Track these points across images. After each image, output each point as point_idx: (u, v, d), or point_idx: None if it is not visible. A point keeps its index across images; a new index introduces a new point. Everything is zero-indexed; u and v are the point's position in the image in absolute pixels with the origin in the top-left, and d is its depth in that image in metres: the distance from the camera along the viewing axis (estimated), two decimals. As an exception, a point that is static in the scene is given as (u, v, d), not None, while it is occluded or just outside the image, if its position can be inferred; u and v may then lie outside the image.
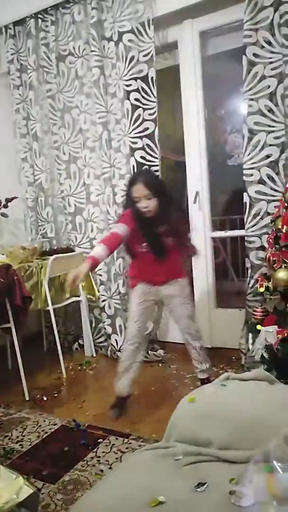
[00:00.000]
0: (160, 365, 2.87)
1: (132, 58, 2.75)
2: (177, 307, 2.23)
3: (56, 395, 2.55)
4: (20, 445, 2.00)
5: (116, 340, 2.99)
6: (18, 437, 2.07)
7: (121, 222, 2.07)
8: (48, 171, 3.27)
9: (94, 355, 3.14)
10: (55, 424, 2.17)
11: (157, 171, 2.81)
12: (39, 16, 3.12)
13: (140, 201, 2.00)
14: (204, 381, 2.30)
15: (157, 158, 2.81)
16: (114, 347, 3.00)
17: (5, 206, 3.17)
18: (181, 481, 0.96)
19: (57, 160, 3.24)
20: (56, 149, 3.24)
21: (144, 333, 2.24)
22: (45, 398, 2.49)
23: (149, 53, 2.73)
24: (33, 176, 3.34)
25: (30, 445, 1.99)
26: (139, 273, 2.24)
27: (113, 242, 1.99)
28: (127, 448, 1.89)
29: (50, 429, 2.13)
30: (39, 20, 3.13)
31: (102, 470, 1.74)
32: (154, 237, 2.09)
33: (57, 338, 2.77)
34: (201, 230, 2.92)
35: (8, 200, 3.17)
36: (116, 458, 1.82)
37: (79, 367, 2.95)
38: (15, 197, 3.22)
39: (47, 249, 3.15)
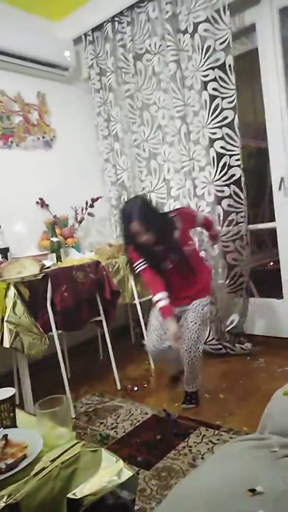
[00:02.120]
0: (247, 358, 2.81)
1: (208, 48, 2.71)
2: (188, 322, 2.19)
3: (146, 385, 2.63)
4: (115, 431, 2.11)
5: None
6: (112, 424, 2.19)
7: (134, 259, 2.20)
8: (129, 169, 3.37)
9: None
10: (146, 413, 2.25)
11: (238, 159, 2.75)
12: (116, 19, 3.21)
13: (139, 236, 2.07)
14: (188, 395, 2.29)
15: (237, 147, 2.74)
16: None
17: (91, 206, 3.34)
18: (279, 473, 0.95)
19: (137, 158, 3.33)
20: (136, 147, 3.32)
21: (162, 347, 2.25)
22: (136, 388, 2.59)
23: (225, 40, 2.66)
24: (116, 176, 3.46)
25: (124, 432, 2.09)
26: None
27: (161, 284, 2.16)
28: (218, 439, 1.90)
29: (142, 417, 2.21)
30: (116, 23, 3.23)
31: (194, 459, 1.77)
32: (153, 256, 2.16)
33: (144, 331, 2.85)
34: (287, 218, 2.79)
35: (94, 200, 3.33)
36: (208, 449, 1.83)
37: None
38: (100, 197, 3.37)
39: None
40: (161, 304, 2.11)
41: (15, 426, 1.21)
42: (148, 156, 3.25)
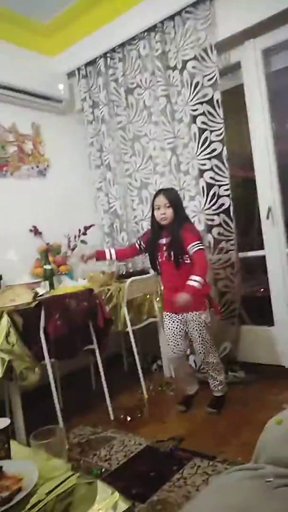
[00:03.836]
0: (240, 386, 2.81)
1: (197, 84, 2.84)
2: (192, 333, 2.47)
3: (139, 415, 2.61)
4: (108, 463, 2.07)
5: (194, 360, 2.99)
6: (106, 455, 2.15)
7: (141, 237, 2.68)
8: (121, 198, 3.43)
9: (173, 376, 3.16)
10: (140, 444, 2.22)
11: (227, 189, 2.83)
12: (108, 55, 3.35)
13: (160, 209, 2.39)
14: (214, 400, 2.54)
15: (226, 177, 2.83)
16: (193, 367, 3.00)
17: (84, 234, 3.38)
18: (274, 504, 0.95)
19: (129, 187, 3.40)
20: (128, 176, 3.40)
21: (182, 350, 2.55)
22: (129, 418, 2.56)
23: (213, 77, 2.80)
24: (108, 204, 3.52)
25: (118, 464, 2.05)
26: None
27: (122, 250, 2.81)
28: (213, 470, 1.88)
29: (135, 448, 2.18)
30: (108, 59, 3.37)
31: (189, 492, 1.74)
32: (153, 248, 2.49)
33: (137, 359, 2.85)
34: (275, 246, 2.86)
35: (87, 228, 3.38)
36: (203, 480, 1.81)
37: (159, 388, 2.99)
38: (93, 225, 3.42)
39: (124, 272, 3.28)
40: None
41: (9, 458, 1.19)
42: (140, 186, 3.33)
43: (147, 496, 1.75)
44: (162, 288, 2.72)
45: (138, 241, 2.67)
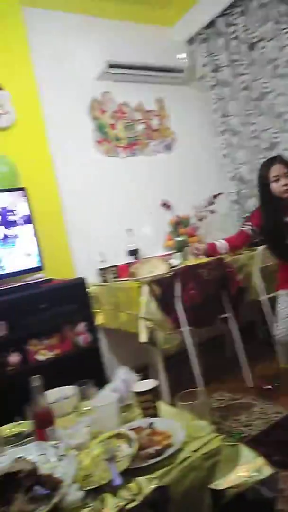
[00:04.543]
0: None
1: None
2: None
3: (279, 384, 2.57)
4: (249, 429, 2.11)
5: None
6: (246, 421, 2.19)
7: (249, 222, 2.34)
8: (248, 162, 3.30)
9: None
10: (281, 413, 2.20)
11: None
12: (227, 12, 3.18)
13: (280, 180, 2.02)
14: None
15: None
16: None
17: (212, 203, 3.36)
18: None
19: (257, 150, 3.24)
20: (255, 138, 3.24)
21: None
22: (268, 387, 2.54)
23: None
24: (235, 170, 3.42)
25: (258, 430, 2.08)
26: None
27: (234, 240, 2.40)
28: None
29: (275, 416, 2.17)
30: (227, 16, 3.19)
31: None
32: (278, 229, 2.12)
33: (271, 328, 2.78)
34: None
35: (214, 197, 3.35)
36: None
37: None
38: (220, 193, 3.38)
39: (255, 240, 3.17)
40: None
41: (158, 416, 1.32)
42: (268, 147, 3.15)
43: (289, 464, 1.74)
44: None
45: (249, 227, 2.39)
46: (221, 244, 2.39)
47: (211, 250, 2.39)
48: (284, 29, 2.76)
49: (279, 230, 2.18)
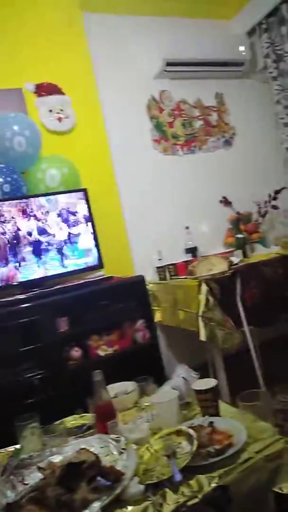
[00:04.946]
0: None
1: None
2: None
3: None
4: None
5: None
6: (312, 425, 2.09)
7: None
8: (314, 155, 3.14)
9: None
10: None
11: None
12: (291, -2, 3.04)
13: None
14: None
15: None
16: None
17: (275, 198, 3.24)
18: None
19: None
20: None
21: None
22: None
23: None
24: (299, 164, 3.28)
25: None
26: None
27: None
28: None
29: None
30: (292, 3, 3.06)
31: None
32: None
33: None
34: None
35: (277, 192, 3.23)
36: None
37: None
38: (284, 188, 3.24)
39: None
40: None
41: (219, 415, 1.30)
42: None
43: None
44: None
45: None
46: None
47: None
48: None
49: None
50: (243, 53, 3.34)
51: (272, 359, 3.05)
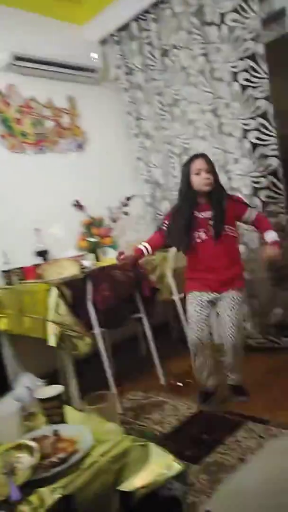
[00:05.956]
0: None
1: (236, 38, 2.66)
2: (224, 310, 2.18)
3: (190, 381, 2.62)
4: (161, 427, 2.11)
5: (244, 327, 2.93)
6: (158, 419, 2.19)
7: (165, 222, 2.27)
8: (162, 166, 3.36)
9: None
10: (192, 409, 2.24)
11: (275, 149, 2.68)
12: (140, 17, 3.21)
13: (201, 174, 2.07)
14: (235, 389, 2.28)
15: (273, 136, 2.67)
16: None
17: (126, 205, 3.36)
18: None
19: (169, 155, 3.31)
20: (168, 143, 3.30)
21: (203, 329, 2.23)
22: (179, 384, 2.58)
23: (255, 29, 2.60)
24: (148, 173, 3.46)
25: (170, 427, 2.09)
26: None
27: (153, 241, 2.27)
28: (267, 434, 1.86)
29: (188, 413, 2.21)
30: (141, 21, 3.23)
31: (244, 455, 1.74)
32: (187, 224, 2.13)
33: (184, 327, 2.84)
34: None
35: (128, 199, 3.35)
36: (258, 444, 1.80)
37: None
38: (134, 195, 3.39)
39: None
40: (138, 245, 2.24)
41: (64, 422, 1.24)
42: (181, 152, 3.23)
43: (200, 458, 1.77)
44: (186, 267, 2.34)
45: (164, 226, 2.28)
46: (146, 248, 2.23)
47: (139, 256, 2.25)
48: (195, 39, 2.85)
49: (187, 220, 2.14)
50: (95, 60, 3.39)
51: (123, 359, 3.14)
